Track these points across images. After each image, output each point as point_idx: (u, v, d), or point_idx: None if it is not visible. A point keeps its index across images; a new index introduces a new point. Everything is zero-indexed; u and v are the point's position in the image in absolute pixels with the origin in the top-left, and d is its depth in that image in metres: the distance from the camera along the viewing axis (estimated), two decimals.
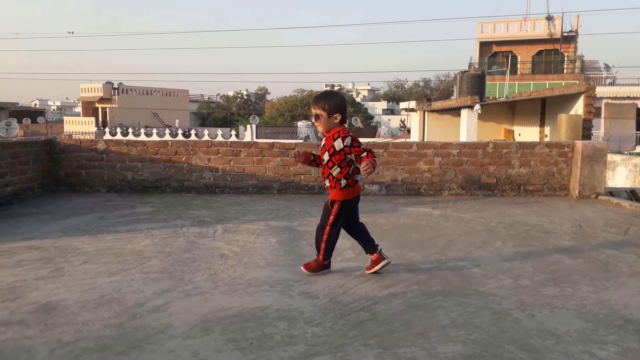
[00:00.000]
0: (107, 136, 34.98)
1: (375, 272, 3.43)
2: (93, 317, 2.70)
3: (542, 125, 16.83)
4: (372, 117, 61.38)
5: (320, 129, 3.35)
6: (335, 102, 3.28)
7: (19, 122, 27.96)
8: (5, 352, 2.32)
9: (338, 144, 3.24)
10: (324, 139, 3.33)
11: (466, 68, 28.08)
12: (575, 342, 2.47)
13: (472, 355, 2.31)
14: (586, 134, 13.20)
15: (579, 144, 6.97)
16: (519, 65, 37.31)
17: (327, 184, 3.39)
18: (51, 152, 6.87)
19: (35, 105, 68.85)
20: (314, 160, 3.49)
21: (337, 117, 3.28)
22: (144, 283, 3.24)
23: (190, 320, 2.68)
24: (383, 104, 70.75)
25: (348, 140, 3.23)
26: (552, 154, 6.94)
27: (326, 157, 3.31)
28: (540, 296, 3.08)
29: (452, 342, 2.46)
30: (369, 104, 68.95)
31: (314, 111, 3.31)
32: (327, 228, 3.36)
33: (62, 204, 6.04)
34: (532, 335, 2.53)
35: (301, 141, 23.23)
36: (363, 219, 5.26)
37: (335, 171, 3.30)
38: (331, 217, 3.36)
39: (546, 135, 16.23)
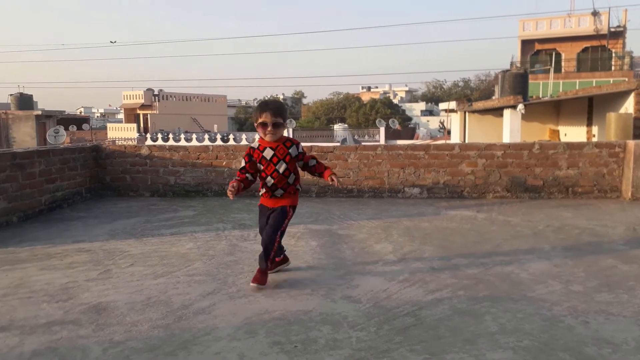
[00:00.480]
0: (149, 141, 35.99)
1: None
2: (141, 318, 2.77)
3: (589, 124, 16.22)
4: (410, 119, 60.74)
5: (273, 138, 3.25)
6: (286, 111, 3.36)
7: (66, 129, 29.18)
8: (61, 350, 2.40)
9: (294, 151, 3.28)
10: (269, 149, 3.22)
11: (507, 67, 27.44)
12: (634, 351, 2.35)
13: None
14: (638, 133, 12.61)
15: (631, 143, 6.66)
16: (563, 63, 36.15)
17: (281, 193, 3.29)
18: (97, 157, 7.11)
19: (80, 112, 71.54)
20: (244, 188, 3.31)
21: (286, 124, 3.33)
22: (189, 285, 3.29)
23: (235, 323, 2.70)
24: (421, 105, 69.92)
25: (300, 147, 3.32)
26: (602, 154, 6.67)
27: (283, 166, 3.26)
28: (594, 302, 2.95)
29: (501, 348, 2.38)
30: (406, 105, 68.28)
31: (274, 119, 3.17)
32: (279, 233, 3.31)
33: (108, 207, 6.23)
34: (587, 343, 2.43)
35: (338, 144, 23.23)
36: (404, 222, 5.23)
37: (292, 178, 3.32)
38: (286, 222, 3.35)
39: (594, 135, 15.64)
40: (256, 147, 3.26)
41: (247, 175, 3.29)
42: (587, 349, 2.37)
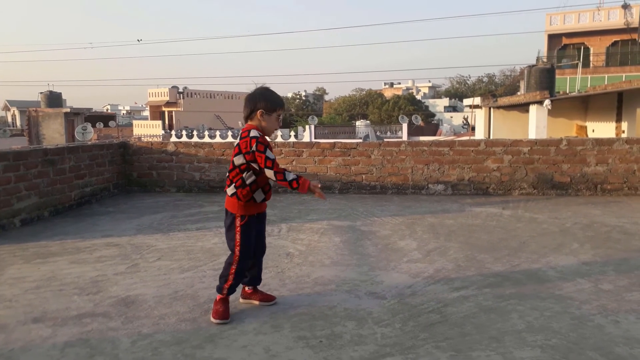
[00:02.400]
0: (174, 138, 36.45)
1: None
2: (169, 311, 2.82)
3: (618, 120, 15.83)
4: (433, 115, 60.15)
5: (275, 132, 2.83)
6: None
7: (93, 126, 29.78)
8: (92, 341, 2.46)
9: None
10: (266, 145, 2.81)
11: (533, 62, 26.92)
12: None
13: None
14: None
15: None
16: (591, 58, 35.28)
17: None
18: (125, 154, 7.24)
19: (107, 110, 72.84)
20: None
21: None
22: (215, 279, 3.30)
23: (260, 317, 2.73)
24: (444, 101, 69.13)
25: None
26: (632, 150, 6.50)
27: None
28: (625, 302, 2.89)
29: (529, 347, 2.35)
30: (429, 102, 67.62)
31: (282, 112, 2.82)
32: None
33: (135, 203, 6.34)
34: (618, 343, 2.38)
35: (360, 140, 23.13)
36: (428, 219, 5.19)
37: None
38: None
39: (623, 131, 15.25)
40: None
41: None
42: (618, 349, 2.32)
